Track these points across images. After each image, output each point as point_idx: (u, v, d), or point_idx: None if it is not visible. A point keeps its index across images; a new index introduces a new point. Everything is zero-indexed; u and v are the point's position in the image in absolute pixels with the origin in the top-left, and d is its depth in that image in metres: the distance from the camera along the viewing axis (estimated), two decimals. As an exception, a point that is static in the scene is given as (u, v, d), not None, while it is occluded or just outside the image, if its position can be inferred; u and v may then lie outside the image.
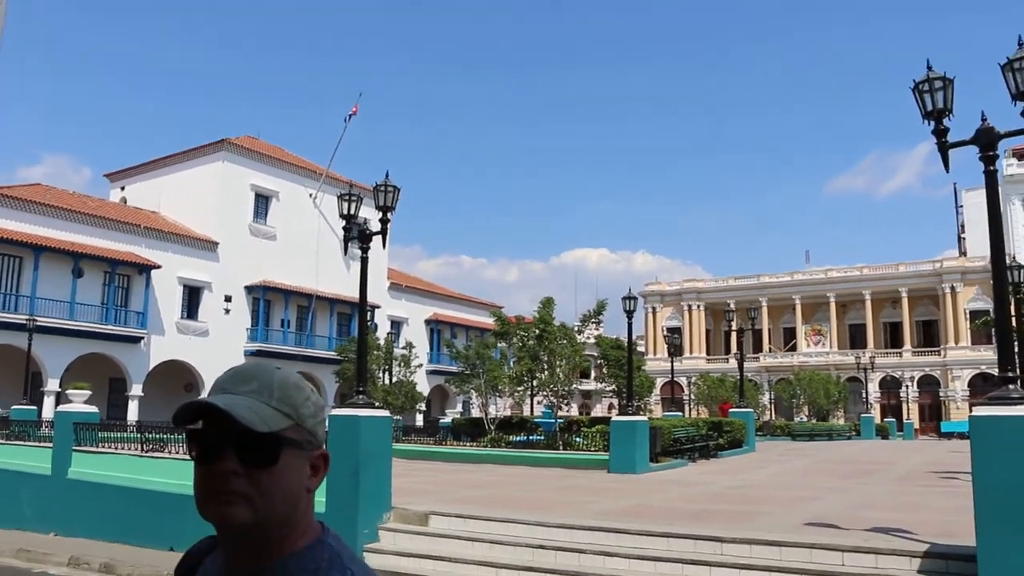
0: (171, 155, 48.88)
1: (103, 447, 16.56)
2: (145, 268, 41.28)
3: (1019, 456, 8.12)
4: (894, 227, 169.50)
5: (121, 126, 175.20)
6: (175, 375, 44.34)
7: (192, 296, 44.78)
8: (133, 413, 38.95)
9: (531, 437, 27.95)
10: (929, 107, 10.07)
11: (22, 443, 18.85)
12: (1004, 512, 7.95)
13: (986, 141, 9.69)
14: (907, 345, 70.62)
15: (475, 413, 39.97)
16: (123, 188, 50.64)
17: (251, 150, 48.89)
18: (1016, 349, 21.20)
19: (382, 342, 43.55)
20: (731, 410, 33.20)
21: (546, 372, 28.39)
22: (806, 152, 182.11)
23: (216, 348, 44.35)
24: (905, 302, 70.77)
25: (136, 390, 41.06)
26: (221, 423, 1.32)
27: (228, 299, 45.91)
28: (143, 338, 41.24)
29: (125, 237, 41.56)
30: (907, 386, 68.74)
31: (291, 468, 1.35)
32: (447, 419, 37.19)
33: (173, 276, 43.14)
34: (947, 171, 10.52)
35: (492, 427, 29.73)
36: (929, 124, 10.19)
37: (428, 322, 58.65)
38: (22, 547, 13.83)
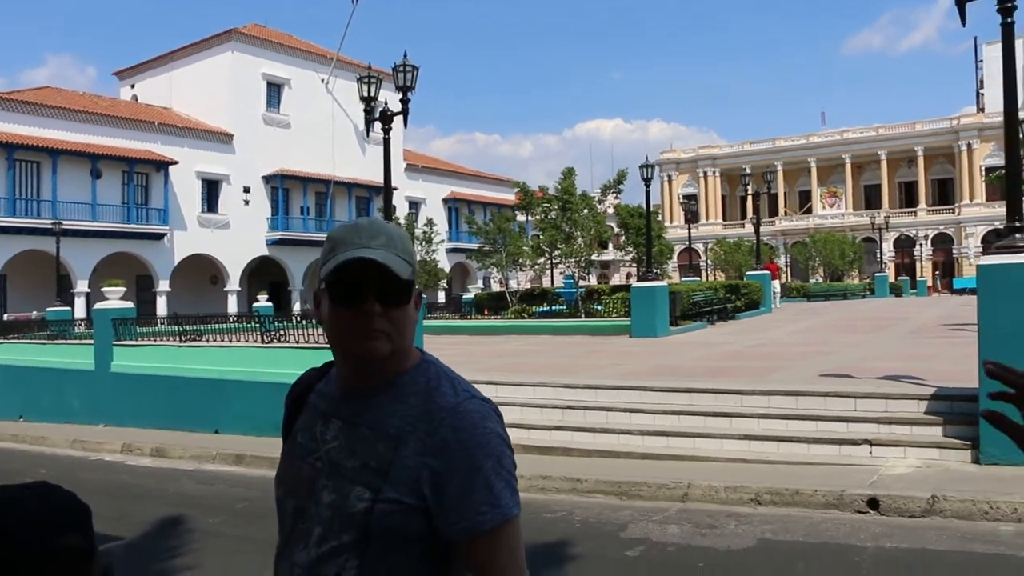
0: (179, 49, 48.31)
1: (142, 340, 17.11)
2: (163, 165, 41.51)
3: (1021, 301, 8.53)
4: (913, 85, 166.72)
5: (124, 22, 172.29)
6: (200, 268, 45.08)
7: (211, 189, 45.08)
8: (162, 308, 39.83)
9: (553, 307, 28.52)
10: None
11: (63, 342, 19.45)
12: (1006, 353, 8.42)
13: (1004, -9, 9.69)
14: (922, 204, 70.52)
15: (496, 288, 40.58)
16: (133, 86, 50.31)
17: (260, 38, 48.27)
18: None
19: (403, 222, 43.91)
20: (748, 273, 33.64)
21: (569, 242, 28.79)
22: (823, 10, 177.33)
23: (238, 239, 44.98)
24: (921, 161, 70.29)
25: (163, 286, 41.87)
26: (365, 272, 1.57)
27: (247, 190, 46.21)
28: (166, 234, 41.82)
29: (140, 135, 41.61)
30: (921, 245, 68.96)
31: (413, 306, 1.65)
32: (469, 295, 37.77)
33: (191, 171, 43.37)
34: (964, 25, 10.50)
35: (514, 300, 30.34)
36: (946, -24, 10.17)
37: (446, 201, 58.83)
38: (76, 438, 14.37)
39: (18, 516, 1.27)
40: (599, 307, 26.01)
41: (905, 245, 70.08)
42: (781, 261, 63.56)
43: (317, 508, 1.61)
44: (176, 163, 41.94)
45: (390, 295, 1.59)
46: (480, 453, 1.53)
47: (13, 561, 1.23)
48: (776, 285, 33.13)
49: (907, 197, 72.73)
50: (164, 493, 10.10)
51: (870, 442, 9.05)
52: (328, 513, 1.59)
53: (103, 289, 18.55)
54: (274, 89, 48.42)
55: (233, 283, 45.39)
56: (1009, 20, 9.70)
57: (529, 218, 33.81)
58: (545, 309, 28.25)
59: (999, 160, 57.76)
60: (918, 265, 68.23)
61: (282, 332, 15.00)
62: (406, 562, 1.56)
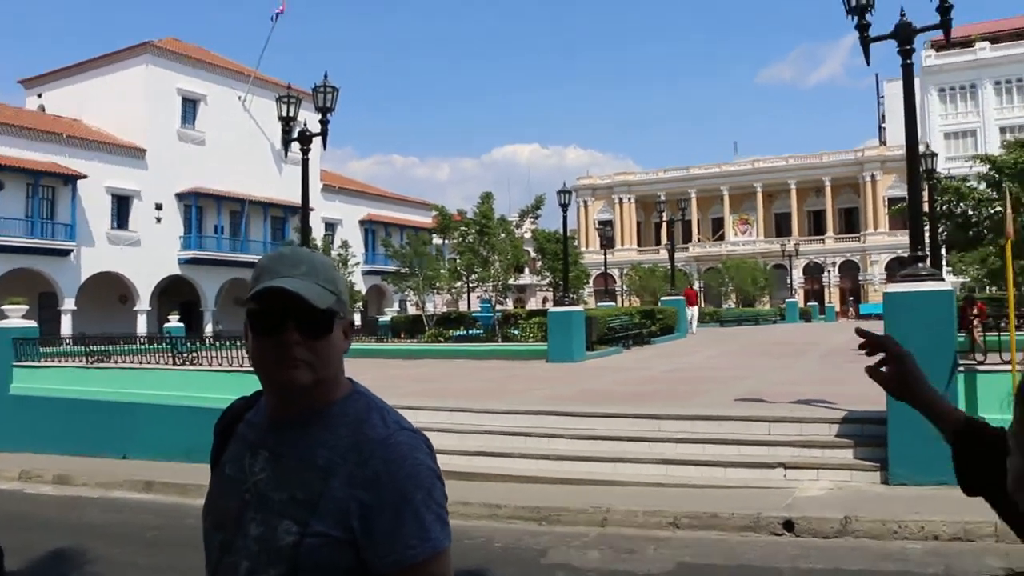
0: (91, 59, 46.77)
1: (45, 361, 16.51)
2: (70, 178, 40.11)
3: (924, 326, 8.85)
4: (820, 117, 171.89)
5: (30, 29, 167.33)
6: (109, 287, 43.68)
7: (121, 205, 43.76)
8: (67, 327, 38.45)
9: (470, 331, 28.50)
10: (853, 3, 10.53)
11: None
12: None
13: (904, 35, 10.22)
14: (829, 232, 72.85)
15: (412, 311, 40.34)
16: (40, 95, 48.55)
17: (176, 52, 47.13)
18: (927, 231, 22.30)
19: (320, 243, 43.42)
20: (663, 298, 34.13)
21: (486, 267, 28.83)
22: (737, 44, 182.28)
23: (149, 257, 43.77)
24: (828, 191, 72.68)
25: (69, 304, 40.42)
26: (285, 301, 1.55)
27: (159, 207, 45.02)
28: (72, 250, 40.38)
29: (46, 147, 40.03)
30: (829, 271, 71.20)
31: (338, 336, 1.63)
32: (386, 318, 37.50)
33: (100, 186, 41.97)
34: (868, 64, 11.10)
35: (431, 323, 30.22)
36: (852, 19, 10.65)
37: (363, 223, 58.34)
38: (-31, 464, 13.84)
39: None
40: (516, 331, 26.08)
41: (814, 272, 72.16)
42: (695, 286, 64.64)
43: (244, 541, 1.57)
44: (85, 177, 40.56)
45: (309, 325, 1.57)
46: (410, 485, 1.51)
47: None
48: (693, 311, 33.50)
49: (816, 225, 74.97)
50: (67, 522, 9.69)
51: (785, 465, 9.24)
52: (255, 547, 1.55)
53: (3, 307, 17.89)
54: (189, 104, 47.43)
55: (143, 303, 44.15)
56: (908, 62, 10.24)
57: (446, 241, 33.76)
58: (462, 333, 28.22)
59: (901, 191, 59.99)
60: (826, 291, 70.28)
61: (194, 354, 14.66)
62: None
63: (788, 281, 61.32)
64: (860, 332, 1.74)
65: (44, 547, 8.36)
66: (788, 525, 7.67)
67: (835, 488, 8.80)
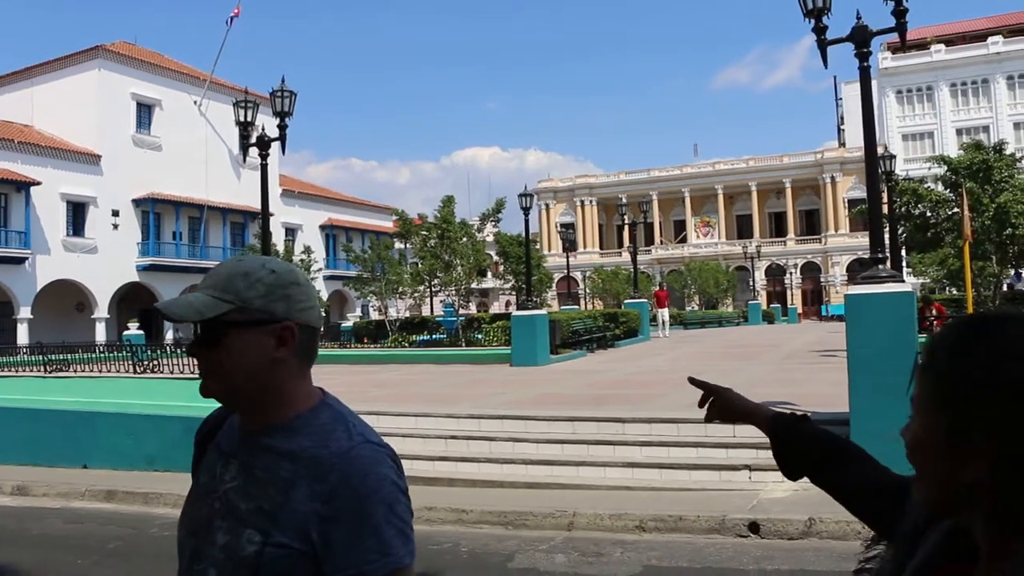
0: (42, 64, 46.21)
1: (2, 371, 16.27)
2: (23, 185, 39.56)
3: (885, 328, 8.96)
4: (780, 119, 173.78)
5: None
6: (65, 295, 43.11)
7: (77, 212, 43.23)
8: (24, 336, 37.90)
9: (434, 336, 28.45)
10: (810, 6, 10.63)
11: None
12: (872, 378, 8.81)
13: (860, 38, 10.31)
14: (791, 234, 73.53)
15: (375, 316, 40.19)
16: (-10, 100, 47.98)
17: (129, 56, 46.67)
18: (887, 233, 22.59)
19: (281, 249, 43.13)
20: (627, 301, 34.20)
21: (449, 271, 28.78)
22: (693, 47, 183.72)
23: (106, 265, 43.26)
24: (789, 192, 73.39)
25: (24, 313, 39.87)
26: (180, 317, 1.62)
27: (116, 213, 44.51)
28: (27, 258, 39.82)
29: (-2, 153, 39.62)
30: (791, 273, 71.91)
31: (241, 345, 1.57)
32: (348, 323, 37.35)
33: (55, 192, 41.41)
34: (826, 67, 11.21)
35: (394, 328, 30.11)
36: (809, 22, 10.75)
37: (323, 227, 58.10)
38: (-75, 476, 13.59)
39: None
40: (480, 336, 26.06)
41: (776, 273, 72.84)
42: (657, 289, 64.89)
43: (212, 550, 1.57)
44: (39, 183, 39.96)
45: (203, 336, 1.60)
46: (371, 500, 1.50)
47: None
48: (665, 313, 33.31)
49: (777, 227, 75.69)
50: (27, 534, 9.52)
51: (749, 467, 9.29)
52: (222, 555, 1.55)
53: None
54: (144, 110, 46.94)
55: (101, 310, 43.57)
56: (865, 64, 10.37)
57: (408, 246, 33.67)
58: (426, 338, 28.14)
59: (860, 192, 60.82)
60: (789, 293, 70.97)
61: (155, 361, 14.49)
62: None
63: (750, 283, 61.84)
64: (693, 382, 2.04)
65: (4, 559, 8.21)
66: (753, 527, 7.72)
67: (800, 490, 8.82)
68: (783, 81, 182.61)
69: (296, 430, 1.59)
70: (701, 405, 1.95)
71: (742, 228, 76.26)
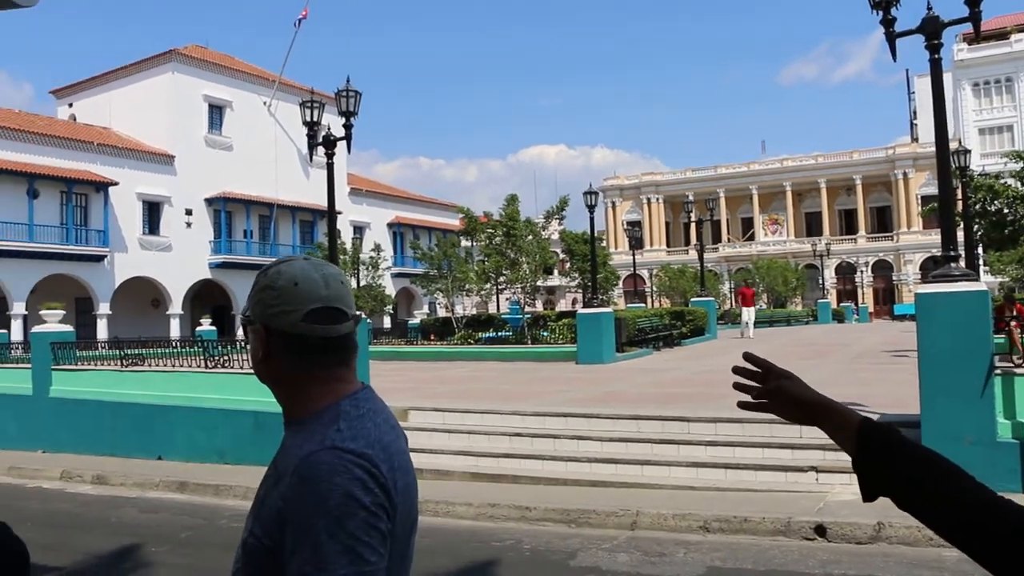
0: (119, 68, 47.60)
1: (82, 365, 16.75)
2: (102, 186, 40.80)
3: (958, 328, 8.74)
4: (849, 115, 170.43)
5: (60, 40, 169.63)
6: (141, 291, 44.29)
7: (152, 211, 44.40)
8: (103, 331, 39.04)
9: (499, 333, 28.52)
10: (878, -4, 10.37)
11: (-1, 366, 19.01)
12: (944, 380, 8.62)
13: (931, 30, 10.00)
14: (861, 231, 72.06)
15: (442, 313, 40.44)
16: (71, 105, 49.38)
17: (201, 60, 47.76)
18: (961, 230, 22.01)
19: (349, 247, 43.64)
20: (693, 299, 33.84)
21: (514, 268, 28.82)
22: (759, 42, 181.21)
23: (180, 262, 44.33)
24: (859, 189, 71.90)
25: (104, 308, 41.06)
26: None
27: (189, 212, 45.59)
28: (106, 256, 41.03)
29: (79, 155, 40.81)
30: (862, 271, 70.44)
31: (251, 342, 1.72)
32: (415, 320, 37.60)
33: (131, 192, 42.65)
34: (894, 60, 10.90)
35: (460, 325, 30.26)
36: (878, 14, 10.50)
37: (391, 225, 58.64)
38: (12, 465, 14.00)
39: None
40: (545, 333, 26.06)
41: (846, 272, 71.50)
42: (725, 287, 64.20)
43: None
44: (116, 184, 41.21)
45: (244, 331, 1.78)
46: (316, 510, 1.44)
47: None
48: (751, 312, 30.85)
49: (847, 224, 74.24)
50: (106, 522, 9.86)
51: (816, 469, 9.16)
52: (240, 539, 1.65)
53: (41, 312, 18.13)
54: (215, 111, 47.95)
55: (175, 307, 44.65)
56: (937, 56, 10.02)
57: (474, 243, 33.81)
58: (491, 335, 28.23)
59: (934, 189, 59.31)
60: (859, 291, 69.58)
61: (226, 357, 14.78)
62: None
63: (820, 281, 60.82)
64: (748, 357, 1.65)
65: (85, 545, 8.55)
66: (820, 530, 7.61)
67: (868, 492, 8.70)
68: (853, 75, 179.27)
69: (303, 427, 1.61)
70: (739, 388, 1.61)
71: (811, 225, 74.99)
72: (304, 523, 1.45)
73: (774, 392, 1.56)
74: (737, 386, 1.60)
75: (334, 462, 1.48)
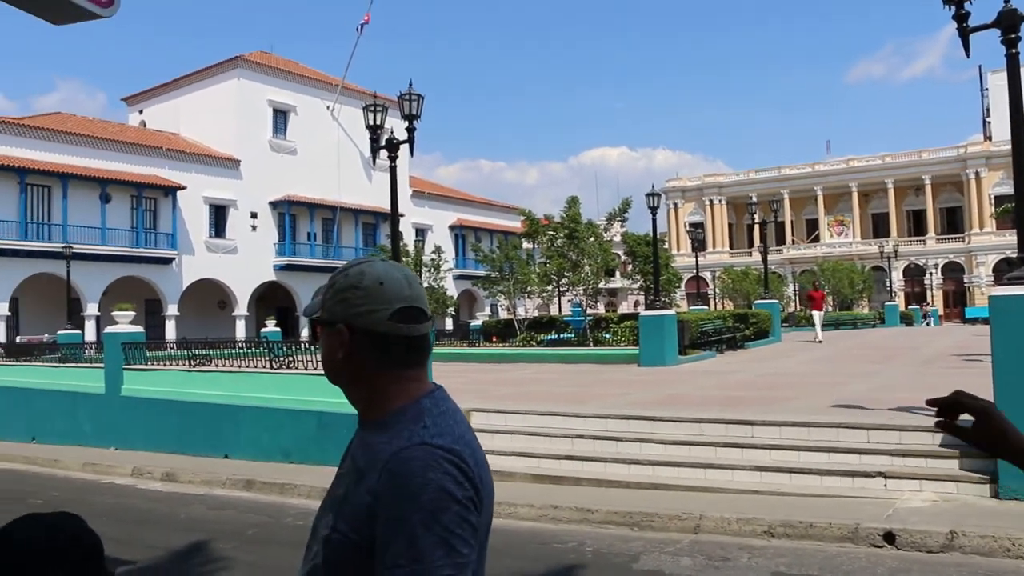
0: (186, 75, 48.74)
1: (152, 365, 17.14)
2: (170, 190, 41.75)
3: (1035, 332, 8.46)
4: (917, 113, 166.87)
5: (131, 48, 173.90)
6: (208, 293, 45.19)
7: (218, 215, 45.30)
8: (171, 332, 39.92)
9: (561, 335, 28.43)
10: (950, -10, 10.08)
11: (74, 365, 19.53)
12: (1019, 385, 8.35)
13: (1008, 23, 9.67)
14: (931, 232, 70.46)
15: (503, 315, 40.53)
16: (141, 111, 50.68)
17: (266, 65, 48.66)
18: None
19: (411, 249, 44.00)
20: (757, 302, 33.37)
21: (576, 271, 28.75)
22: (824, 40, 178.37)
23: (245, 264, 45.12)
24: (928, 189, 70.33)
25: (172, 310, 41.98)
26: None
27: (254, 215, 46.40)
28: (174, 259, 41.97)
29: (148, 160, 41.90)
30: (931, 273, 68.88)
31: (325, 342, 1.71)
32: (477, 322, 37.72)
33: (198, 196, 43.59)
34: (968, 56, 10.58)
35: (522, 327, 30.27)
36: (950, 8, 10.22)
37: (452, 228, 58.97)
38: (87, 461, 14.49)
39: (19, 549, 1.26)
40: (607, 335, 25.91)
41: (915, 274, 69.97)
42: (789, 290, 63.25)
43: (315, 530, 1.69)
44: (184, 188, 42.13)
45: (311, 331, 1.77)
46: (410, 503, 1.48)
47: None
48: (821, 315, 29.86)
49: (915, 225, 72.69)
50: (175, 518, 10.08)
51: (884, 474, 8.96)
52: (314, 535, 1.68)
53: (113, 313, 18.58)
54: (280, 115, 48.73)
55: (241, 308, 45.47)
56: (1014, 51, 9.69)
57: (535, 246, 33.80)
58: (553, 337, 28.16)
59: (1008, 188, 57.79)
60: (929, 293, 68.08)
61: (291, 358, 14.99)
62: None
63: (887, 284, 59.62)
64: (931, 402, 1.66)
65: (155, 540, 8.76)
66: (889, 537, 7.44)
67: (940, 500, 8.49)
68: (921, 73, 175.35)
69: (385, 426, 1.64)
70: (943, 418, 1.66)
71: (878, 227, 73.58)
72: (398, 517, 1.48)
73: (986, 411, 1.57)
74: (933, 404, 1.62)
75: (426, 458, 1.53)
